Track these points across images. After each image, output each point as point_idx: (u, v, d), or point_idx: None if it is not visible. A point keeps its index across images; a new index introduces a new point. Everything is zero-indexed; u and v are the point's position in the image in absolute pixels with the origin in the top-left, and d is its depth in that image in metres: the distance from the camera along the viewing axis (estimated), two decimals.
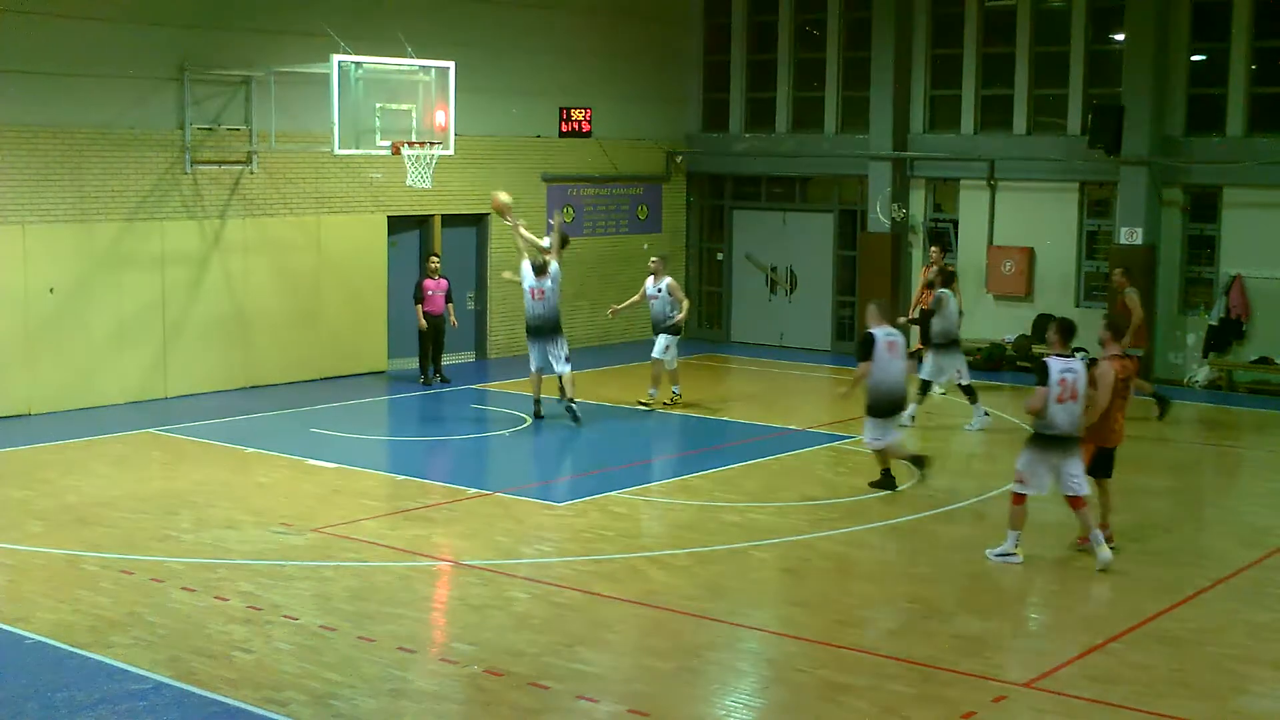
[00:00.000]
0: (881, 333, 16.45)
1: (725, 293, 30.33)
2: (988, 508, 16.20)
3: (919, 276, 24.95)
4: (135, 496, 16.05)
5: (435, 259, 23.59)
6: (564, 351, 20.16)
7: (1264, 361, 24.27)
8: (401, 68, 21.19)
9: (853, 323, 28.32)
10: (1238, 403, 23.45)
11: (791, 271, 29.21)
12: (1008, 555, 14.07)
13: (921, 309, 22.12)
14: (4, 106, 20.05)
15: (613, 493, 16.39)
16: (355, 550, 14.05)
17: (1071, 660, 11.32)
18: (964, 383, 20.88)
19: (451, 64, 21.49)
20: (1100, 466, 14.59)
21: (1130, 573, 13.84)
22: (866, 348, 16.38)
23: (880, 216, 27.61)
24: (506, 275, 21.60)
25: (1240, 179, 24.45)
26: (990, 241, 26.85)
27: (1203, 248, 25.31)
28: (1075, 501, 13.99)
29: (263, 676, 10.66)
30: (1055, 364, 13.82)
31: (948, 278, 21.39)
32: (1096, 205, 26.31)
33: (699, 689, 10.86)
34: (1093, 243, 26.27)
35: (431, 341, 23.58)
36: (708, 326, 30.45)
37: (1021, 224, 26.62)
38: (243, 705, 10.11)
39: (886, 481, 16.73)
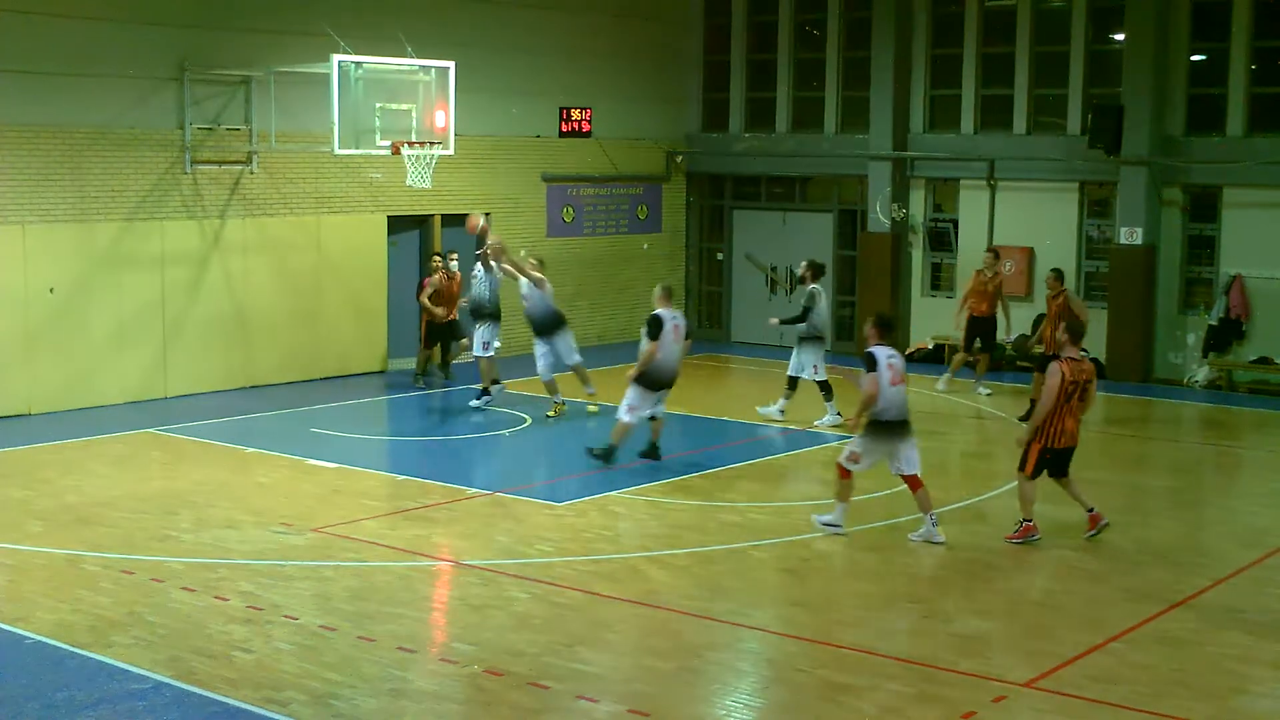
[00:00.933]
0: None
1: (725, 293, 30.34)
2: (987, 507, 16.20)
3: (963, 286, 24.91)
4: (135, 496, 16.05)
5: (453, 256, 23.51)
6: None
7: (1264, 361, 24.27)
8: (401, 68, 21.20)
9: (853, 322, 28.34)
10: (1238, 403, 23.45)
11: (791, 271, 29.18)
12: (832, 525, 14.71)
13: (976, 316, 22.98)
14: (4, 106, 20.06)
15: (613, 493, 16.39)
16: (355, 550, 14.06)
17: (1072, 660, 11.32)
18: (820, 379, 20.79)
19: (451, 64, 21.50)
20: (1055, 467, 14.68)
21: (1131, 572, 13.85)
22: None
23: (880, 216, 27.61)
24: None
25: (1240, 179, 24.45)
26: (990, 241, 26.85)
27: (1203, 248, 25.31)
28: (912, 481, 14.64)
29: (263, 676, 10.67)
30: (881, 352, 14.59)
31: (817, 271, 21.22)
32: (1096, 205, 26.31)
33: (699, 689, 10.86)
34: (1092, 242, 26.28)
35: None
36: (708, 326, 30.45)
37: (1021, 224, 26.61)
38: (243, 705, 10.11)
39: (652, 451, 18.05)
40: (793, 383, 20.95)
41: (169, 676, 10.63)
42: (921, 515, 14.67)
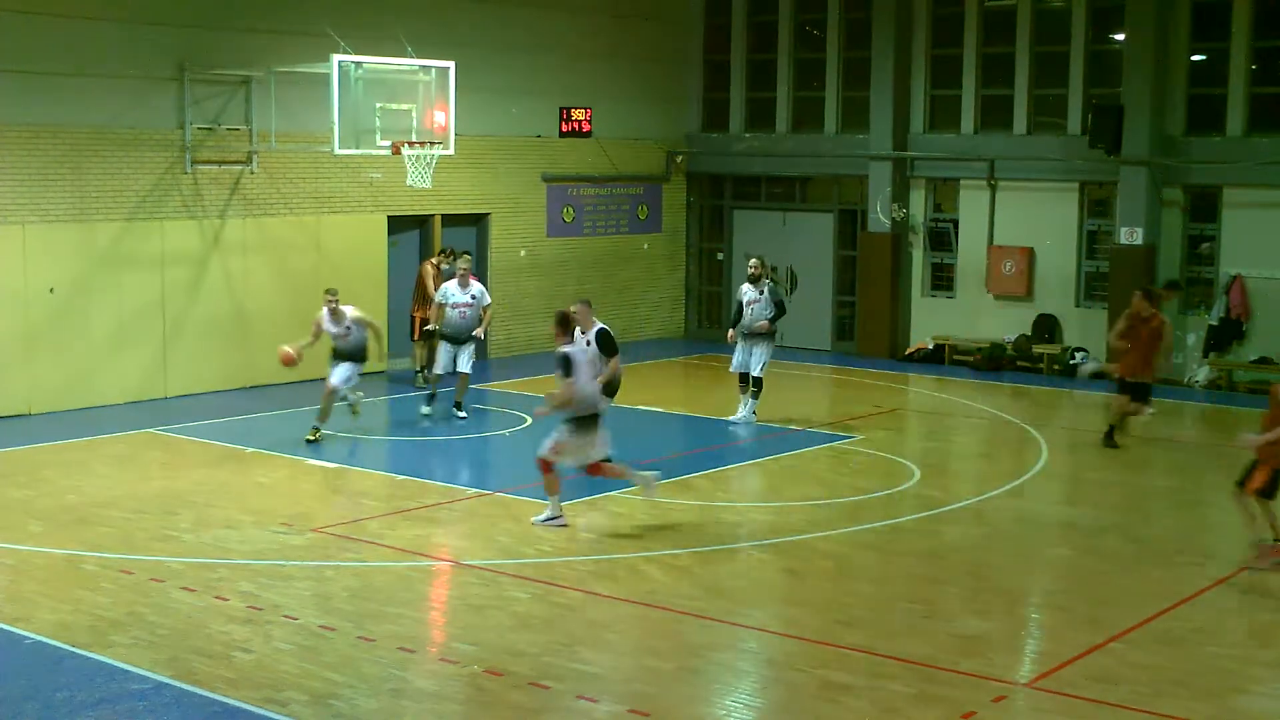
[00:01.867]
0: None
1: (725, 293, 30.31)
2: (986, 508, 16.19)
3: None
4: (135, 496, 16.05)
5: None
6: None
7: (1264, 361, 24.27)
8: (401, 68, 21.20)
9: (853, 322, 28.36)
10: (1238, 403, 23.43)
11: (792, 271, 29.19)
12: (552, 520, 14.96)
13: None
14: (4, 105, 20.06)
15: (613, 493, 16.37)
16: (355, 550, 14.05)
17: (1072, 660, 11.31)
18: (756, 374, 20.78)
19: (451, 64, 21.50)
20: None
21: (1131, 572, 13.85)
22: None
23: (880, 216, 27.61)
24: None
25: (1240, 179, 24.46)
26: (990, 241, 26.85)
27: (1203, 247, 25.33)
28: (601, 467, 15.05)
29: (263, 676, 10.66)
30: (575, 353, 15.02)
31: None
32: (1096, 205, 26.31)
33: (699, 689, 10.86)
34: (1093, 242, 26.29)
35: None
36: (708, 327, 30.45)
37: (1022, 224, 26.62)
38: (243, 705, 10.11)
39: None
40: (744, 379, 20.93)
41: (169, 676, 10.63)
42: (550, 500, 15.03)
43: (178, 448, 18.76)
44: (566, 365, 14.79)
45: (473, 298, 20.66)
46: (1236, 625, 12.41)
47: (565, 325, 15.35)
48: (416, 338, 23.62)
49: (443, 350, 20.88)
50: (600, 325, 16.79)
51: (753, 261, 21.14)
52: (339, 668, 10.86)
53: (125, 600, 12.39)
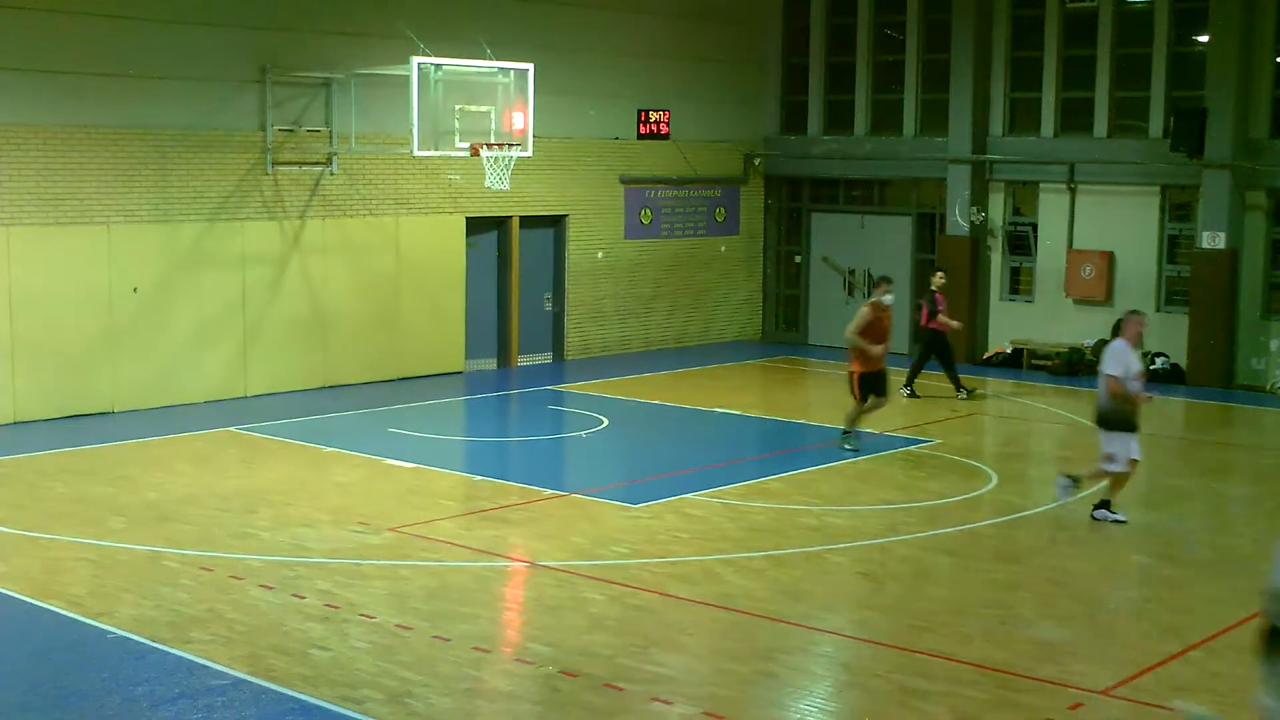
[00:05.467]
0: None
1: (803, 295, 30.25)
2: (1064, 513, 16.05)
3: None
4: (215, 494, 16.21)
5: (940, 277, 23.37)
6: None
7: None
8: (480, 70, 21.29)
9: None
10: None
11: (870, 274, 29.08)
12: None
13: None
14: (93, 108, 20.32)
15: (688, 495, 16.38)
16: (431, 550, 14.13)
17: (1150, 668, 11.21)
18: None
19: (530, 66, 21.58)
20: None
21: (1211, 580, 13.70)
22: None
23: (959, 220, 27.45)
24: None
25: None
26: (1070, 245, 26.63)
27: None
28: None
29: (339, 674, 10.74)
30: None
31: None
32: (1178, 209, 26.03)
33: (774, 692, 10.83)
34: (1174, 247, 26.02)
35: (939, 353, 23.38)
36: (785, 329, 30.40)
37: (1101, 228, 26.39)
38: (319, 703, 10.19)
39: None
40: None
41: (247, 673, 10.74)
42: None
43: (257, 446, 18.93)
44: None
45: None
46: None
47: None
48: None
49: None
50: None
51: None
52: (415, 666, 10.92)
53: (204, 596, 12.52)
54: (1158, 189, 25.91)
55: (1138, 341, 15.56)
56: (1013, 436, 21.02)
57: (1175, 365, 25.23)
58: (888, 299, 19.15)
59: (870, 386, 18.93)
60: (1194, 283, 25.14)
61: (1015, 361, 26.74)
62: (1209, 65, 25.03)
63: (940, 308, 22.76)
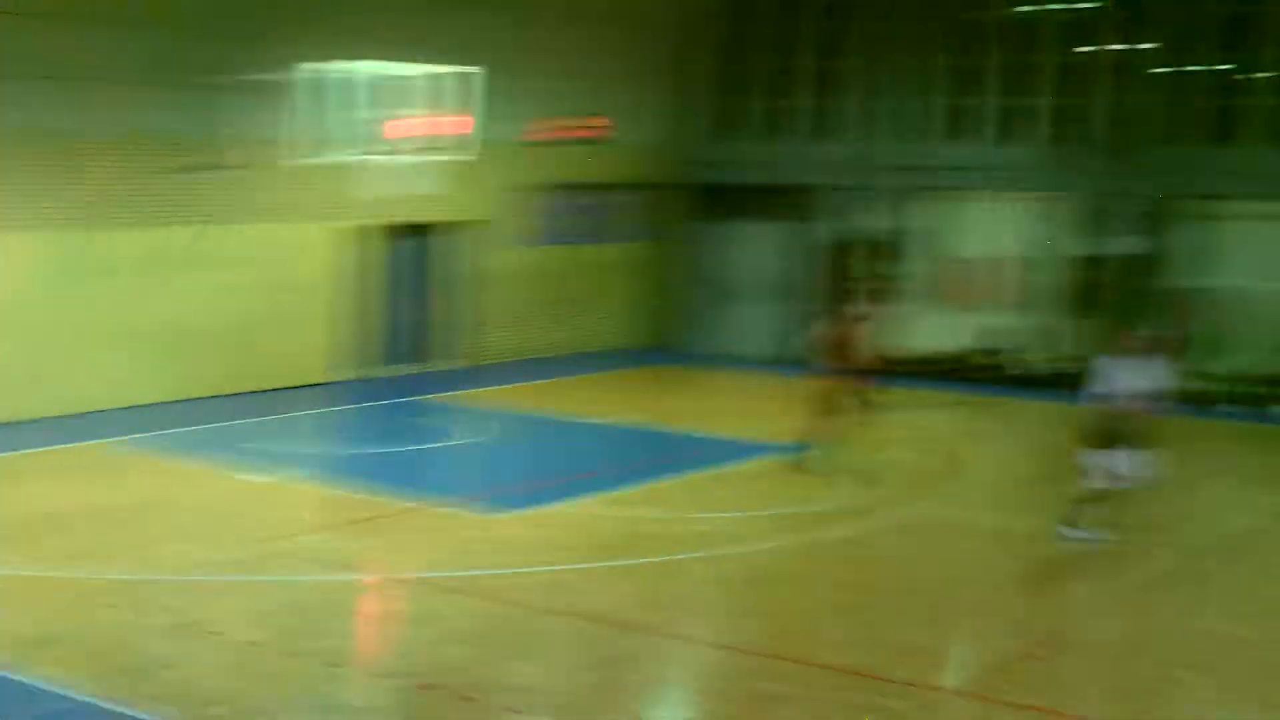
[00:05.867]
0: None
1: (693, 303, 30.14)
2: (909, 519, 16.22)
3: None
4: (62, 510, 15.78)
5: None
6: None
7: None
8: (407, 74, 20.49)
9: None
10: None
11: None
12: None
13: None
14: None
15: (547, 505, 16.34)
16: (285, 564, 13.91)
17: (999, 667, 11.33)
18: None
19: (470, 69, 20.68)
20: None
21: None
22: None
23: (842, 227, 27.51)
24: None
25: None
26: (949, 252, 26.82)
27: None
28: None
29: (190, 693, 10.51)
30: None
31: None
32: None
33: (631, 701, 10.79)
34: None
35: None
36: (682, 335, 30.10)
37: (983, 234, 26.50)
38: None
39: None
40: None
41: (93, 695, 10.45)
42: None
43: (111, 460, 18.49)
44: None
45: None
46: None
47: None
48: None
49: None
50: None
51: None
52: (267, 683, 10.73)
53: (49, 618, 12.16)
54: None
55: (1146, 355, 15.35)
56: (886, 443, 21.04)
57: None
58: (858, 312, 19.08)
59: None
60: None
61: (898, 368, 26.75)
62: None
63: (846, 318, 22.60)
